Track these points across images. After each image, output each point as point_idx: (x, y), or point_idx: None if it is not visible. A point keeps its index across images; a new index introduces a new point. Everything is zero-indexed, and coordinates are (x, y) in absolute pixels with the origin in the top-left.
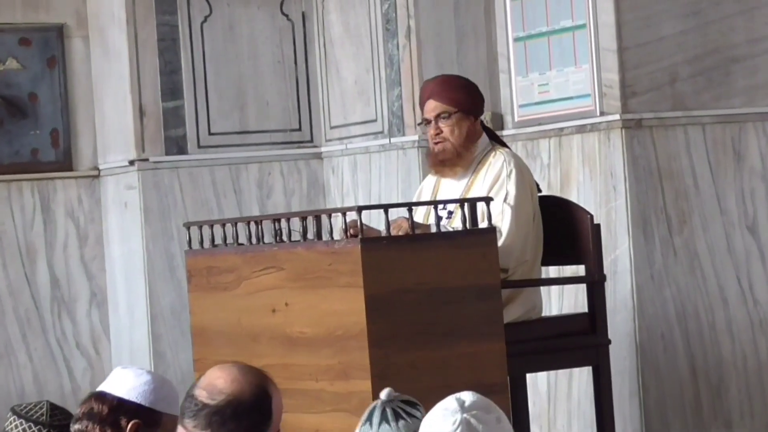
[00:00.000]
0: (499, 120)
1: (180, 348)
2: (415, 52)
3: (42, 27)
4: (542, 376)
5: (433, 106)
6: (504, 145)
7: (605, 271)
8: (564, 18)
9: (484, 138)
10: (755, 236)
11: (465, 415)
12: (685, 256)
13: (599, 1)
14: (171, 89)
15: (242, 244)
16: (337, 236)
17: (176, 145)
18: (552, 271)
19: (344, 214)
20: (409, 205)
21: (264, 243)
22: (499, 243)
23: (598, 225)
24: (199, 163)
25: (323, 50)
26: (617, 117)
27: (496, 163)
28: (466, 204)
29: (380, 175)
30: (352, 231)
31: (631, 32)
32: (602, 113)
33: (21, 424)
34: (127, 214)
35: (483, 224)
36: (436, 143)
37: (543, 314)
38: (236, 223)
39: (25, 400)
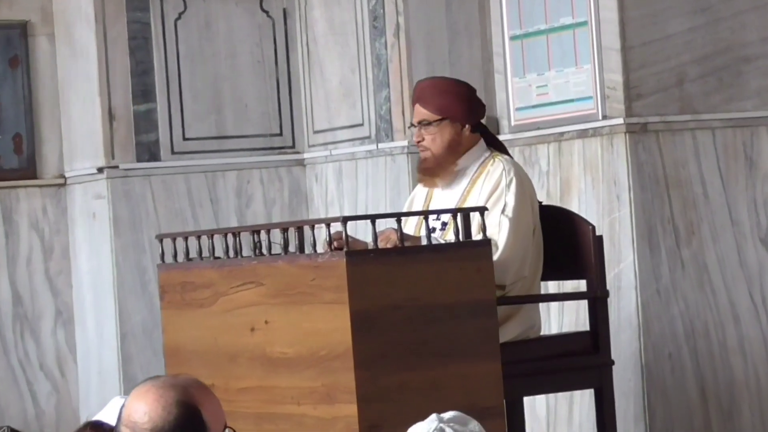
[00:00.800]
0: (494, 124)
1: (152, 370)
2: (405, 52)
3: (4, 24)
4: (541, 399)
5: (417, 112)
6: (506, 152)
7: (608, 287)
8: (564, 15)
9: (481, 145)
10: None
11: (441, 424)
12: (694, 270)
13: None
14: (143, 91)
15: (219, 258)
16: (320, 249)
17: (148, 151)
18: (551, 287)
19: (328, 226)
20: (398, 216)
21: (242, 256)
22: (495, 257)
23: (601, 237)
24: (172, 170)
25: (306, 49)
26: (621, 121)
27: (495, 171)
28: (459, 214)
29: (367, 184)
30: (336, 243)
31: (636, 30)
32: (605, 117)
33: None
34: (95, 226)
35: (477, 236)
36: (421, 150)
37: (542, 333)
38: (213, 235)
39: None
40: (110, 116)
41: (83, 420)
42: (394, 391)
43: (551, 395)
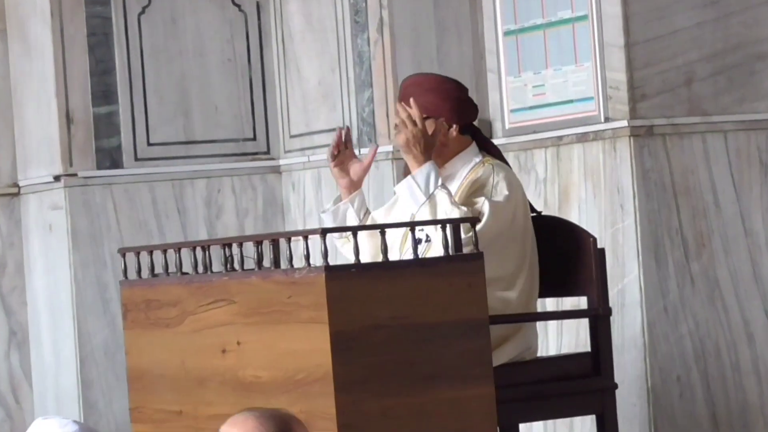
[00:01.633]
0: (486, 127)
1: (114, 395)
2: (389, 49)
3: None
4: (538, 426)
5: (399, 110)
6: (501, 158)
7: (611, 304)
8: (562, 8)
9: (471, 150)
10: None
11: None
12: (705, 285)
13: None
14: (103, 92)
15: (187, 274)
16: (298, 264)
17: (109, 158)
18: (549, 304)
19: (306, 238)
20: (382, 228)
21: (212, 272)
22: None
23: (603, 250)
24: (136, 178)
25: (281, 46)
26: (624, 123)
27: (484, 174)
28: (448, 225)
29: None
30: (335, 149)
31: (641, 25)
32: (607, 119)
33: None
34: (52, 239)
35: (468, 249)
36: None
37: (539, 354)
38: (180, 249)
39: None
40: (68, 120)
41: None
42: (378, 418)
43: (549, 422)
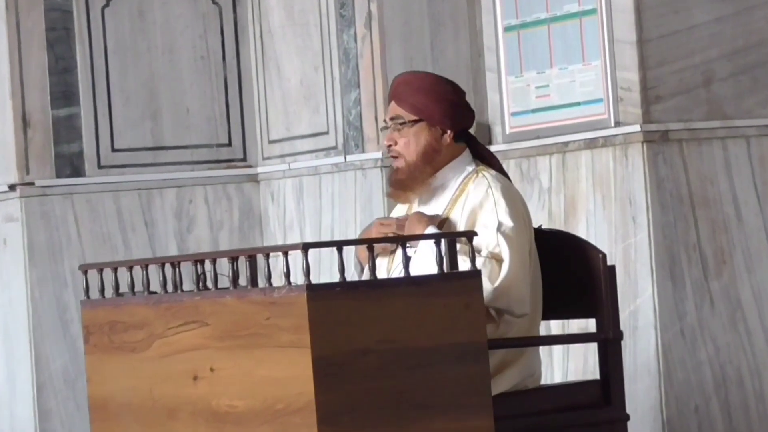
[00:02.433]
0: (485, 132)
1: (75, 427)
2: (378, 45)
3: None
4: None
5: (390, 109)
6: (499, 168)
7: (622, 327)
8: (568, 1)
9: (465, 158)
10: None
11: None
12: (725, 307)
13: None
14: (63, 93)
15: (155, 293)
16: (277, 282)
17: (70, 165)
18: (554, 327)
19: (286, 254)
20: (370, 242)
21: (183, 291)
22: (502, 275)
23: (613, 267)
24: (99, 187)
25: (259, 42)
26: (637, 128)
27: (478, 189)
28: (443, 240)
29: (333, 203)
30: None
31: (654, 20)
32: (618, 123)
33: None
34: (6, 254)
35: (464, 266)
36: (392, 157)
37: (542, 382)
38: (147, 266)
39: None
40: (24, 123)
41: None
42: None
43: None
